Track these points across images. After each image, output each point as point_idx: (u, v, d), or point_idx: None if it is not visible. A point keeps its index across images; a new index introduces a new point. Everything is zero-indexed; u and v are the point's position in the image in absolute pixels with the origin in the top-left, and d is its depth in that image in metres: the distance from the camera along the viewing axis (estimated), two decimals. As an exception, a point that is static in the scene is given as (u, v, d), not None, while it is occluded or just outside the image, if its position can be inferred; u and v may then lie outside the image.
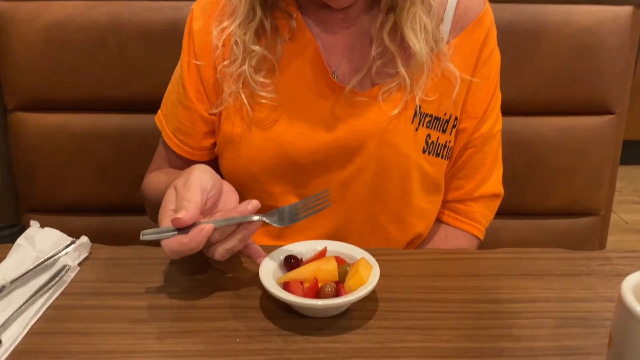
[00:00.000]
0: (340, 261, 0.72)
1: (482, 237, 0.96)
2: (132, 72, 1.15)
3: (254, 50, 0.84)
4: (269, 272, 0.70)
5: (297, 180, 0.87)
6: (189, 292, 0.72)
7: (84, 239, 0.79)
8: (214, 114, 0.90)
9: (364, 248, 0.73)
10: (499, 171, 0.95)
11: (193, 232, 0.65)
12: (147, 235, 0.67)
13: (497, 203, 0.97)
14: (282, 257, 0.72)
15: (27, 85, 1.16)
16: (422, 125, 0.86)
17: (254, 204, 0.68)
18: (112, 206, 1.24)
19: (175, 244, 0.65)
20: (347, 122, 0.85)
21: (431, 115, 0.87)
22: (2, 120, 1.21)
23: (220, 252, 0.68)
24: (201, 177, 0.70)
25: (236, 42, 0.85)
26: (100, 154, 1.20)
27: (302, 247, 0.75)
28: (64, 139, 1.19)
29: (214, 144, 0.93)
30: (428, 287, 0.73)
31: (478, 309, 0.70)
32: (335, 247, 0.74)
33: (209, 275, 0.76)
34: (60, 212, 1.24)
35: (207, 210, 0.71)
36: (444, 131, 0.88)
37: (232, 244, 0.69)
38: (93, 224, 1.25)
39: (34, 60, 1.14)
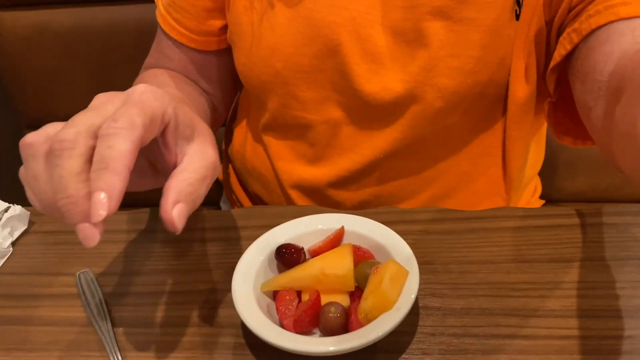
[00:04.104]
0: (361, 255, 0.47)
1: None
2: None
3: None
4: (249, 273, 0.47)
5: (339, 80, 0.60)
6: (140, 296, 0.51)
7: (16, 209, 0.58)
8: None
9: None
10: None
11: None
12: None
13: None
14: (273, 247, 0.49)
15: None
16: None
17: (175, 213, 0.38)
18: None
19: None
20: None
21: None
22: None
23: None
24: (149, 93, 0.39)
25: None
26: (91, 57, 0.99)
27: (307, 226, 0.50)
28: (48, 40, 0.99)
29: (224, 29, 0.67)
30: (501, 286, 0.48)
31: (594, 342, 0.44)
32: (359, 226, 0.49)
33: (178, 264, 0.54)
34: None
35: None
36: None
37: None
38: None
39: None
